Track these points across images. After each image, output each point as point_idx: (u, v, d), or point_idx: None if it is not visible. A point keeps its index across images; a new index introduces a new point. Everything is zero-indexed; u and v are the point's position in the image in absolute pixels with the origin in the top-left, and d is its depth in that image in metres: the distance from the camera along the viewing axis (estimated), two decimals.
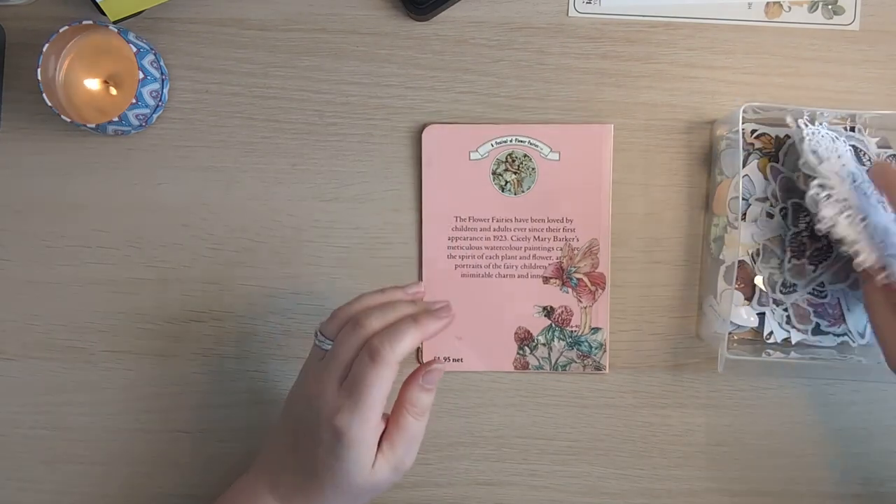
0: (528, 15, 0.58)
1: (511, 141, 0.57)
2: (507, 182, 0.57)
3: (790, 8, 0.57)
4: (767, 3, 0.57)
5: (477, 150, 0.57)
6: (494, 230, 0.58)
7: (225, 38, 0.58)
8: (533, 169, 0.57)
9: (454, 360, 0.58)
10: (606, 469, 0.57)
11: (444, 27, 0.58)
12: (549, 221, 0.57)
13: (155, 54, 0.56)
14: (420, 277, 0.58)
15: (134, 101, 0.54)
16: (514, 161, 0.57)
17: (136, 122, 0.55)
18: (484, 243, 0.58)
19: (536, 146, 0.57)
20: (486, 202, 0.58)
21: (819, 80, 0.57)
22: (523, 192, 0.57)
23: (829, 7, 0.57)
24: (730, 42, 0.58)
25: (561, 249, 0.57)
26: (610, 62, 0.58)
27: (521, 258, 0.57)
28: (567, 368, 0.58)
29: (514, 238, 0.58)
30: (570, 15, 0.58)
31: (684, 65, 0.58)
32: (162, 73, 0.56)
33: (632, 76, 0.58)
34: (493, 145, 0.57)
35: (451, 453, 0.58)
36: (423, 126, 0.58)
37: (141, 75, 0.54)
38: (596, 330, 0.57)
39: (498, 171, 0.57)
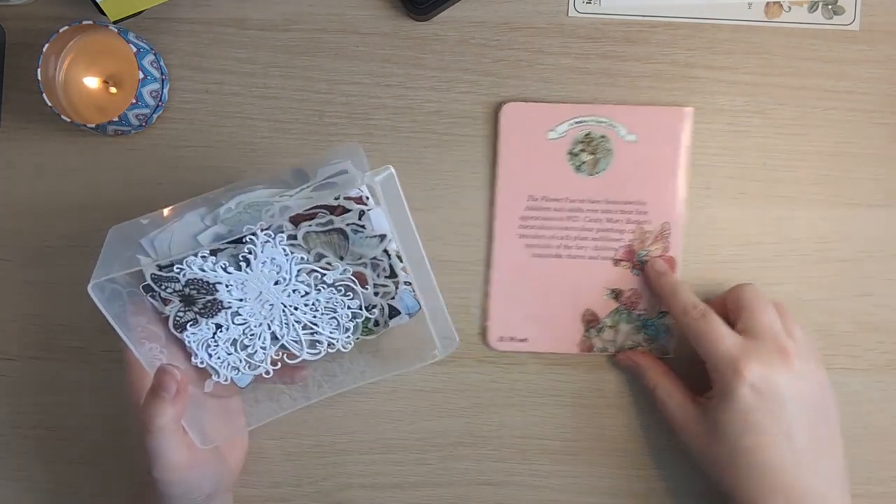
0: (528, 15, 0.58)
1: (590, 121, 0.56)
2: (582, 162, 0.57)
3: (790, 8, 0.57)
4: (767, 3, 0.57)
5: (555, 129, 0.57)
6: (568, 210, 0.57)
7: (225, 38, 0.58)
8: (609, 150, 0.56)
9: (520, 339, 0.57)
10: (606, 469, 0.57)
11: (444, 27, 0.58)
12: (622, 203, 0.57)
13: (155, 54, 0.56)
14: (490, 255, 0.57)
15: (134, 101, 0.54)
16: (591, 141, 0.56)
17: (136, 122, 0.55)
18: (556, 223, 0.57)
19: (614, 127, 0.56)
20: (560, 182, 0.57)
21: (819, 80, 0.57)
22: (598, 173, 0.57)
23: (829, 7, 0.57)
24: (730, 42, 0.58)
25: (633, 232, 0.57)
26: (610, 62, 0.58)
27: (592, 239, 0.57)
28: None
29: (586, 219, 0.57)
30: (570, 15, 0.58)
31: (684, 65, 0.58)
32: (162, 73, 0.56)
33: (632, 76, 0.58)
34: (571, 125, 0.57)
35: (451, 453, 0.58)
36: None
37: (141, 75, 0.54)
38: (663, 314, 0.57)
39: (574, 151, 0.57)
